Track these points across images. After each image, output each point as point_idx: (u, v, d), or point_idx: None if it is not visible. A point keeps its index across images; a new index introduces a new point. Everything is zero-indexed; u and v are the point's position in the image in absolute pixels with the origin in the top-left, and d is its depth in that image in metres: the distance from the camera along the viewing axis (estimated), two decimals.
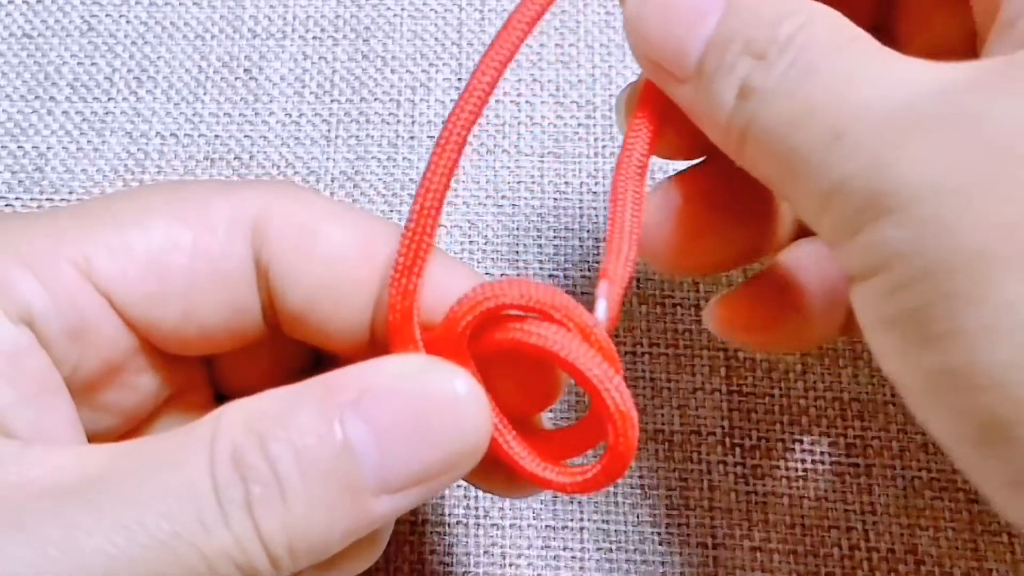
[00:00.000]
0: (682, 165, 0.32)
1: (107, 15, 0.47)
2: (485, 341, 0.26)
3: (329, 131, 0.45)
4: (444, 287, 0.27)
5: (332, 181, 0.44)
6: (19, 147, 0.44)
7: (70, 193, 0.43)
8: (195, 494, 0.22)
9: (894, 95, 0.23)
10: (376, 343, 0.28)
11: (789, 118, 0.24)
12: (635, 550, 0.37)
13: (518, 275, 0.42)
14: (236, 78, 0.46)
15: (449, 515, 0.38)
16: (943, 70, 0.23)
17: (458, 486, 0.38)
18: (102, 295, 0.26)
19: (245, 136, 0.45)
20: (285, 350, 0.31)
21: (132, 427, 0.29)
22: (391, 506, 0.24)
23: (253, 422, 0.23)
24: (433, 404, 0.24)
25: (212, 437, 0.23)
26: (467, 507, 0.38)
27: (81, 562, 0.21)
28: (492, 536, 0.38)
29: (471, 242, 0.43)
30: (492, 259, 0.42)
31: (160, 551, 0.22)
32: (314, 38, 0.47)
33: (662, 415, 0.39)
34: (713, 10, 0.26)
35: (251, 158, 0.44)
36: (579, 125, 0.45)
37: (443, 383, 0.25)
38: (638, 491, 0.38)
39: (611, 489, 0.38)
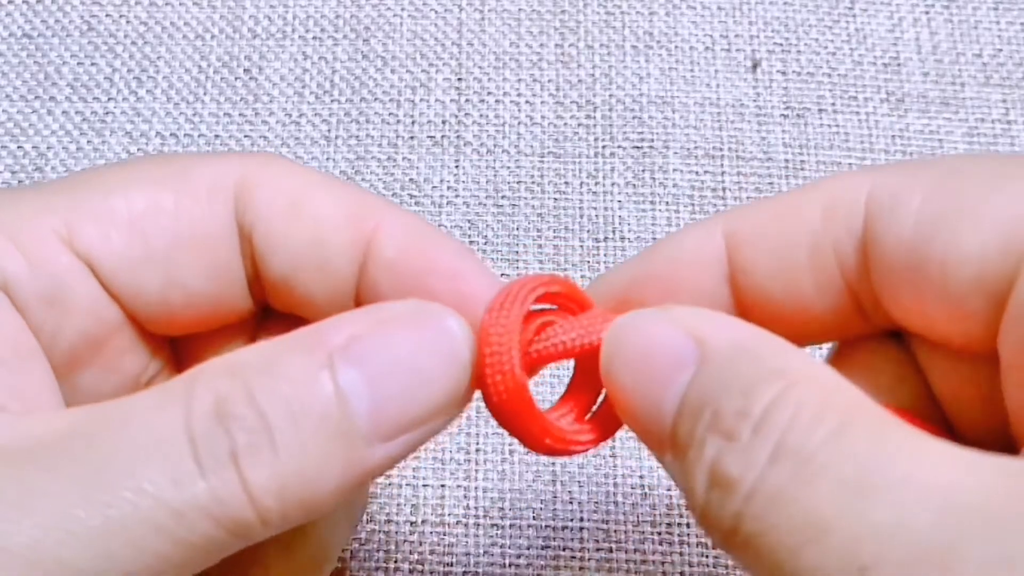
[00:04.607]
0: None
1: (107, 15, 0.47)
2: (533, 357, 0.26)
3: (329, 131, 0.45)
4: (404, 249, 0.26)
5: None
6: (19, 147, 0.44)
7: None
8: (165, 448, 0.22)
9: (926, 515, 0.19)
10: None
11: (792, 531, 0.19)
12: (635, 550, 0.37)
13: (518, 275, 0.42)
14: (236, 78, 0.46)
15: (449, 515, 0.38)
16: (988, 474, 0.19)
17: (458, 486, 0.38)
18: (84, 262, 0.26)
19: (245, 136, 0.45)
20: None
21: None
22: (385, 455, 0.23)
23: (238, 371, 0.23)
24: (425, 344, 0.24)
25: (189, 390, 0.22)
26: (467, 507, 0.38)
27: (40, 523, 0.21)
28: (492, 536, 0.38)
29: (471, 242, 0.43)
30: (492, 259, 0.42)
31: (124, 509, 0.21)
32: (314, 38, 0.47)
33: None
34: (687, 364, 0.22)
35: None
36: (579, 125, 0.45)
37: (434, 322, 0.24)
38: (638, 491, 0.38)
39: (611, 489, 0.38)
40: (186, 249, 0.27)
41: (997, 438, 0.25)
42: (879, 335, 0.27)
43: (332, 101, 0.45)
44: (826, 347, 0.30)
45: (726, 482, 0.21)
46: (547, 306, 0.26)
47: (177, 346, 0.30)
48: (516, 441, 0.40)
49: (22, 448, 0.22)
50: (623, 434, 0.39)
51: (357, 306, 0.28)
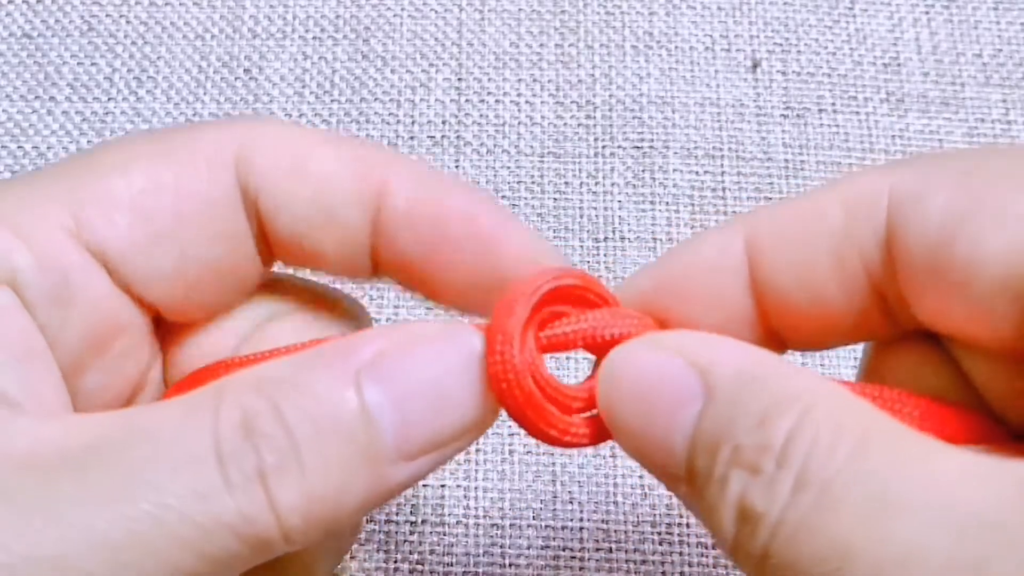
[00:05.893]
0: None
1: (107, 15, 0.47)
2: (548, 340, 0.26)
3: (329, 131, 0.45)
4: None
5: None
6: (19, 147, 0.44)
7: None
8: (192, 463, 0.22)
9: (947, 533, 0.19)
10: (379, 267, 0.27)
11: (819, 560, 0.20)
12: (635, 550, 0.37)
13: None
14: (236, 78, 0.46)
15: (449, 515, 0.38)
16: (1009, 484, 0.19)
17: (458, 486, 0.38)
18: (93, 252, 0.26)
19: None
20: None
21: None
22: (408, 473, 0.23)
23: (265, 387, 0.23)
24: (451, 365, 0.24)
25: (216, 404, 0.22)
26: (467, 507, 0.38)
27: (65, 534, 0.21)
28: (492, 536, 0.38)
29: None
30: None
31: (149, 523, 0.21)
32: (314, 38, 0.47)
33: None
34: (692, 398, 0.22)
35: None
36: (579, 125, 0.45)
37: (461, 343, 0.24)
38: (638, 491, 0.38)
39: (611, 489, 0.38)
40: (192, 222, 0.26)
41: None
42: (916, 332, 0.26)
43: (332, 101, 0.45)
44: (859, 347, 0.29)
45: (753, 516, 0.21)
46: (562, 308, 0.26)
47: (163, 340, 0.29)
48: (516, 441, 0.40)
49: (48, 456, 0.22)
50: None
51: (374, 260, 0.27)
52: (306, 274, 0.30)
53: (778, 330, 0.27)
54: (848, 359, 0.40)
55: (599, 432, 0.25)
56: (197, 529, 0.21)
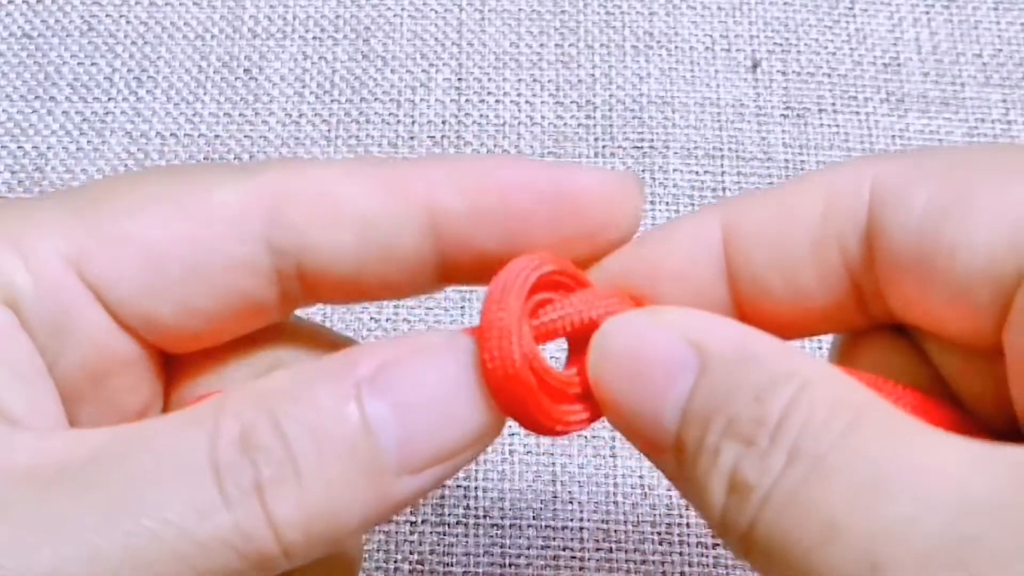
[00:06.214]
0: None
1: (107, 15, 0.47)
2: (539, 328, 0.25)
3: (329, 131, 0.45)
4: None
5: None
6: (19, 147, 0.44)
7: None
8: (190, 478, 0.21)
9: (938, 511, 0.19)
10: (445, 276, 0.26)
11: (805, 533, 0.20)
12: (635, 550, 0.37)
13: None
14: (236, 78, 0.46)
15: (449, 515, 0.38)
16: (1000, 466, 0.19)
17: (457, 486, 0.38)
18: (94, 289, 0.25)
19: (245, 136, 0.45)
20: None
21: None
22: (412, 487, 0.23)
23: (264, 400, 0.22)
24: (455, 377, 0.23)
25: (216, 417, 0.22)
26: (467, 507, 0.38)
27: (62, 549, 0.20)
28: (492, 536, 0.38)
29: None
30: None
31: (147, 539, 0.21)
32: (314, 38, 0.47)
33: None
34: (685, 370, 0.22)
35: (251, 158, 0.44)
36: (579, 125, 0.45)
37: (465, 355, 0.24)
38: (638, 491, 0.38)
39: (611, 489, 0.38)
40: (204, 275, 0.26)
41: (1010, 420, 0.25)
42: (886, 325, 0.27)
43: (332, 101, 0.45)
44: (827, 338, 0.30)
45: (744, 488, 0.21)
46: (546, 295, 0.26)
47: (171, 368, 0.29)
48: (516, 441, 0.40)
49: (46, 470, 0.22)
50: None
51: (443, 269, 0.26)
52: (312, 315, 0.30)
53: (752, 318, 0.26)
54: None
55: (594, 412, 0.25)
56: (196, 546, 0.21)
